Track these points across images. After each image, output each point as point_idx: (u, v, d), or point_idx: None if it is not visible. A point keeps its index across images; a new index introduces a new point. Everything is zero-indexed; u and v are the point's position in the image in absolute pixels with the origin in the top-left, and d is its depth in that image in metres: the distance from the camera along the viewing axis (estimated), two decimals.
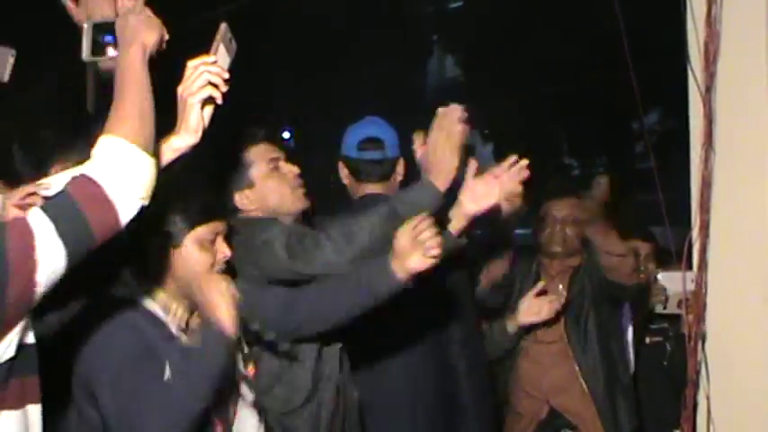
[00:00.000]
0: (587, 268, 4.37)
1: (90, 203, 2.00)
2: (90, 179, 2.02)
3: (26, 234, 1.93)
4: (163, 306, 2.62)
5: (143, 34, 2.23)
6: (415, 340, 3.55)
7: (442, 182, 2.96)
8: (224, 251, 2.68)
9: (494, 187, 3.17)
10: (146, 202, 2.08)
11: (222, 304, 2.38)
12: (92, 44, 2.35)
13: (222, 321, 2.37)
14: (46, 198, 2.10)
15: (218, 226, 2.67)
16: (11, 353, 2.01)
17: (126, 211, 2.04)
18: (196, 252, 2.62)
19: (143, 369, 2.42)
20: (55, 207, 1.99)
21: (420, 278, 2.85)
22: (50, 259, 1.94)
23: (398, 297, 2.86)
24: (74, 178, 2.04)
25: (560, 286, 4.37)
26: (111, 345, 2.47)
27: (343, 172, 3.68)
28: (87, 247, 2.01)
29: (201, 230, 2.62)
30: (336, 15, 19.81)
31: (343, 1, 19.52)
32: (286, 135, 24.11)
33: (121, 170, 2.04)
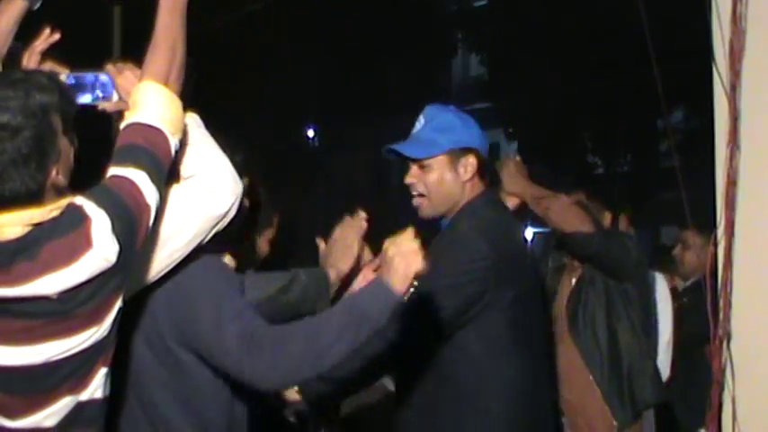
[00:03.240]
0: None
1: (158, 148, 2.21)
2: (150, 126, 2.23)
3: (132, 187, 2.13)
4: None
5: None
6: None
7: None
8: None
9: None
10: (180, 136, 2.30)
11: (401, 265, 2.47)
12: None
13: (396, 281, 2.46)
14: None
15: None
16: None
17: (174, 148, 2.27)
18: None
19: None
20: (137, 158, 2.17)
21: None
22: (154, 202, 2.16)
23: None
24: (134, 127, 2.23)
25: None
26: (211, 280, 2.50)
27: (471, 167, 3.32)
28: (164, 183, 2.23)
29: None
30: (362, 16, 19.85)
31: (368, 1, 19.55)
32: (310, 133, 24.26)
33: (166, 113, 2.26)
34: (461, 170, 3.31)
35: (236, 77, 19.10)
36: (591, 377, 4.29)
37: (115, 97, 2.42)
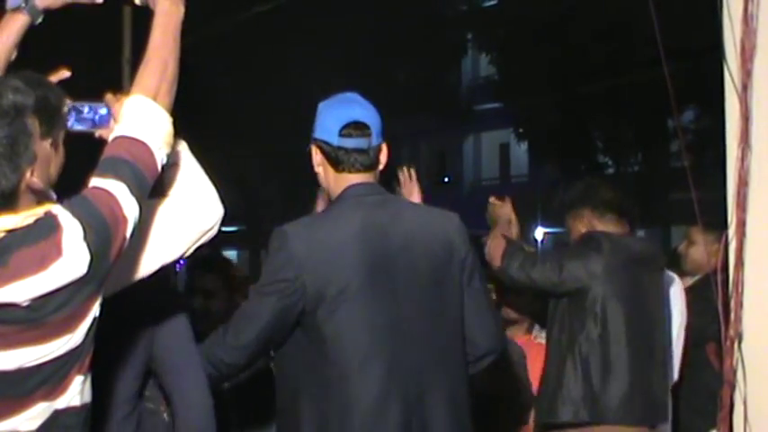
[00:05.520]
0: None
1: (142, 160, 2.22)
2: (135, 139, 2.24)
3: (110, 199, 2.13)
4: None
5: None
6: None
7: None
8: None
9: None
10: (168, 151, 2.33)
11: None
12: None
13: None
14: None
15: None
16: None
17: (161, 162, 2.28)
18: None
19: None
20: (118, 170, 2.18)
21: None
22: (132, 215, 2.16)
23: None
24: (119, 140, 2.24)
25: None
26: None
27: (317, 159, 3.19)
28: (146, 196, 2.24)
29: None
30: (372, 16, 19.85)
31: (379, 1, 19.55)
32: None
33: (153, 127, 2.28)
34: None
35: (246, 80, 19.12)
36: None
37: (112, 125, 2.44)
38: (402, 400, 2.97)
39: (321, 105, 3.22)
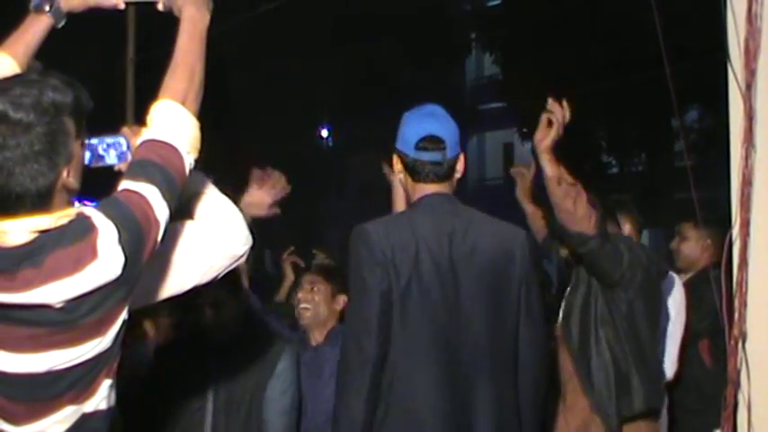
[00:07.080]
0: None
1: (172, 164, 2.24)
2: (164, 143, 2.26)
3: (143, 201, 2.14)
4: None
5: (210, 4, 2.49)
6: None
7: None
8: None
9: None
10: (196, 156, 2.35)
11: None
12: None
13: None
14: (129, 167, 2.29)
15: None
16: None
17: (189, 167, 2.31)
18: None
19: None
20: (150, 173, 2.19)
21: None
22: (163, 218, 2.17)
23: None
24: (148, 144, 2.26)
25: None
26: None
27: (398, 167, 3.49)
28: (176, 200, 2.25)
29: None
30: (377, 16, 19.87)
31: (382, 1, 19.57)
32: (324, 133, 24.30)
33: (181, 131, 2.29)
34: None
35: (249, 78, 19.13)
36: (580, 384, 4.30)
37: (130, 158, 2.43)
38: (452, 402, 3.18)
39: (405, 116, 3.49)
